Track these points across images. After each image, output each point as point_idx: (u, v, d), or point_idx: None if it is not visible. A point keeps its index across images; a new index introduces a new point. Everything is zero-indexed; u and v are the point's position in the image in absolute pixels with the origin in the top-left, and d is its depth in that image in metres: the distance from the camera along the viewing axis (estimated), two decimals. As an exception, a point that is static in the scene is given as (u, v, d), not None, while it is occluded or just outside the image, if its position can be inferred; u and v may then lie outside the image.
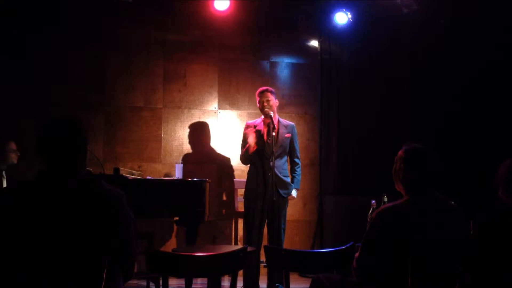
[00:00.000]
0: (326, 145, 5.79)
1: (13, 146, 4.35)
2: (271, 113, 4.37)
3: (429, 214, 2.27)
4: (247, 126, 4.60)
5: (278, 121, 4.50)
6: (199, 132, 5.55)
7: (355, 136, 5.76)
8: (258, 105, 4.53)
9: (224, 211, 5.47)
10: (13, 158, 4.34)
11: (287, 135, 4.50)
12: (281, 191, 4.39)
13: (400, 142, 2.50)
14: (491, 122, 5.08)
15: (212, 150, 5.55)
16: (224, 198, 5.50)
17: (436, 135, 5.24)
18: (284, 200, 4.45)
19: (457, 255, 2.27)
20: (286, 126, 4.53)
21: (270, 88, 4.54)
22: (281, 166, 4.46)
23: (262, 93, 4.48)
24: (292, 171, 4.58)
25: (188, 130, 5.52)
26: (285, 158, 4.54)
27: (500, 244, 2.35)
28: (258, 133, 4.47)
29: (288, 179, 4.50)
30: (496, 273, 2.34)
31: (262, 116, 4.53)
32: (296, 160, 4.59)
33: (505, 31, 5.02)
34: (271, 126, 4.33)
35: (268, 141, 4.38)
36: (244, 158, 4.51)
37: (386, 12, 5.52)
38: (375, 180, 5.40)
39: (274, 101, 4.48)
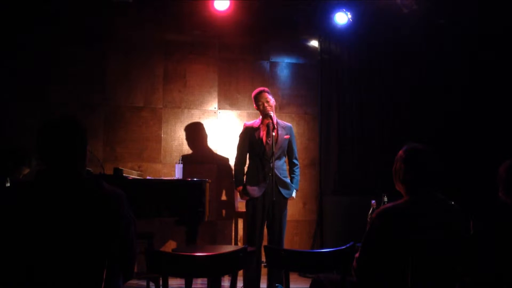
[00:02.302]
0: (326, 145, 5.79)
1: (25, 170, 4.27)
2: (271, 113, 4.37)
3: (429, 214, 2.27)
4: (245, 128, 4.59)
5: (277, 122, 4.50)
6: (199, 132, 5.55)
7: (355, 136, 5.76)
8: (255, 106, 4.51)
9: (224, 211, 5.47)
10: (16, 176, 4.25)
11: (286, 136, 4.50)
12: (283, 192, 4.40)
13: (400, 142, 2.50)
14: (491, 122, 5.08)
15: (212, 150, 5.55)
16: (224, 198, 5.50)
17: (436, 135, 5.24)
18: (286, 200, 4.46)
19: (457, 255, 2.27)
20: (284, 128, 4.53)
21: (266, 89, 4.53)
22: (281, 167, 4.46)
23: (260, 94, 4.46)
24: (291, 172, 4.58)
25: (188, 130, 5.52)
26: (284, 159, 4.54)
27: (500, 244, 2.35)
28: (257, 135, 4.47)
29: (288, 180, 4.50)
30: (496, 273, 2.34)
31: (260, 117, 4.53)
32: (295, 161, 4.61)
33: (505, 31, 5.03)
34: (271, 126, 4.33)
35: (268, 141, 4.38)
36: (235, 175, 4.60)
37: (386, 12, 5.52)
38: (375, 180, 5.40)
39: (273, 101, 4.48)
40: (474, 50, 5.20)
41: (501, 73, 5.09)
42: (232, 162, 5.52)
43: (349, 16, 5.66)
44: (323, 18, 5.81)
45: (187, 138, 5.51)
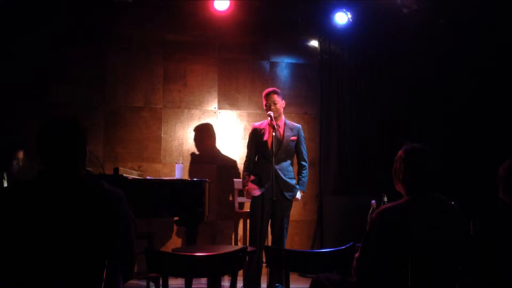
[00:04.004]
0: (326, 145, 5.79)
1: (20, 155, 4.26)
2: (271, 114, 4.37)
3: (429, 214, 2.27)
4: (253, 129, 4.60)
5: (285, 123, 4.49)
6: (199, 132, 5.55)
7: (355, 136, 5.76)
8: (264, 107, 4.50)
9: (224, 211, 5.47)
10: (14, 166, 4.24)
11: (292, 138, 4.47)
12: (286, 193, 4.39)
13: (400, 142, 2.50)
14: (491, 122, 5.08)
15: (212, 150, 5.55)
16: (224, 198, 5.50)
17: (436, 135, 5.24)
18: (289, 202, 4.45)
19: (457, 255, 2.27)
20: (292, 129, 4.50)
21: (276, 90, 4.50)
22: (286, 168, 4.44)
23: (268, 96, 4.44)
24: (299, 173, 4.54)
25: (188, 130, 5.52)
26: (290, 160, 4.51)
27: (500, 244, 2.35)
28: (262, 135, 4.47)
29: (293, 181, 4.47)
30: (496, 273, 2.34)
31: (269, 118, 4.52)
32: (303, 163, 4.55)
33: (505, 31, 5.02)
34: (274, 127, 4.33)
35: (273, 142, 4.38)
36: (242, 175, 4.64)
37: (386, 12, 5.52)
38: (375, 180, 5.40)
39: (281, 103, 4.46)
40: (474, 50, 5.20)
41: (501, 73, 5.08)
42: (232, 162, 5.54)
43: (349, 16, 5.66)
44: (323, 18, 5.81)
45: (187, 138, 5.51)
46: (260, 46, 5.80)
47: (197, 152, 5.51)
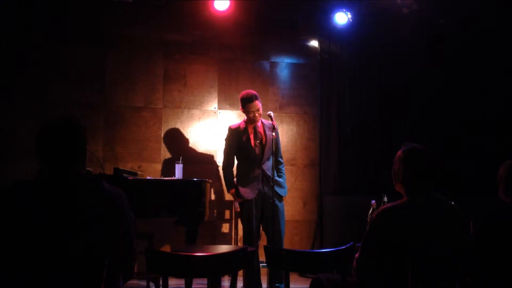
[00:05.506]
0: (326, 145, 5.79)
1: None
2: (271, 114, 4.38)
3: (429, 214, 2.27)
4: (232, 130, 4.54)
5: (262, 122, 4.49)
6: (199, 132, 5.55)
7: (355, 136, 5.76)
8: (242, 109, 4.44)
9: (224, 211, 5.47)
10: None
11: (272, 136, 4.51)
12: (279, 191, 4.41)
13: (400, 142, 2.50)
14: (491, 122, 5.08)
15: (212, 150, 5.55)
16: (225, 198, 5.49)
17: (436, 135, 5.24)
18: (282, 199, 4.49)
19: (457, 255, 2.27)
20: (270, 128, 4.48)
21: (257, 94, 4.42)
22: (271, 167, 4.45)
23: (252, 103, 4.35)
24: (277, 170, 4.55)
25: (188, 130, 5.52)
26: (272, 158, 4.53)
27: (500, 244, 2.35)
28: (245, 137, 4.45)
29: (280, 179, 4.51)
30: (496, 273, 2.34)
31: (245, 118, 4.50)
32: (280, 159, 4.62)
33: (505, 31, 5.03)
34: (275, 127, 4.34)
35: (257, 143, 4.39)
36: (225, 178, 4.57)
37: (386, 12, 5.52)
38: (375, 180, 5.40)
39: (261, 107, 4.43)
40: (474, 50, 5.20)
41: (502, 73, 5.08)
42: (232, 162, 5.54)
43: (349, 16, 5.65)
44: (323, 18, 5.80)
45: (187, 138, 5.51)
46: (260, 46, 5.79)
47: (197, 152, 5.51)
